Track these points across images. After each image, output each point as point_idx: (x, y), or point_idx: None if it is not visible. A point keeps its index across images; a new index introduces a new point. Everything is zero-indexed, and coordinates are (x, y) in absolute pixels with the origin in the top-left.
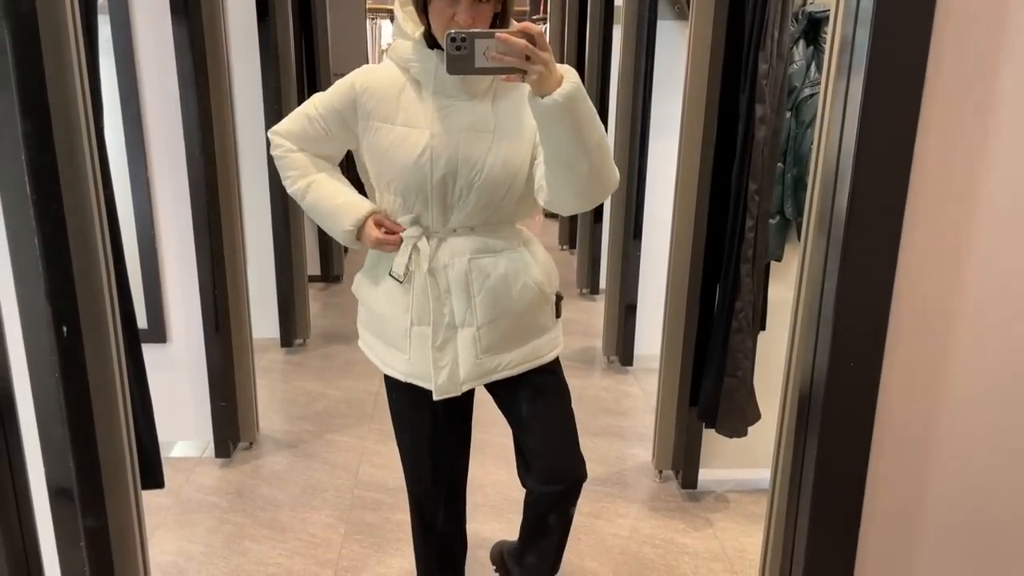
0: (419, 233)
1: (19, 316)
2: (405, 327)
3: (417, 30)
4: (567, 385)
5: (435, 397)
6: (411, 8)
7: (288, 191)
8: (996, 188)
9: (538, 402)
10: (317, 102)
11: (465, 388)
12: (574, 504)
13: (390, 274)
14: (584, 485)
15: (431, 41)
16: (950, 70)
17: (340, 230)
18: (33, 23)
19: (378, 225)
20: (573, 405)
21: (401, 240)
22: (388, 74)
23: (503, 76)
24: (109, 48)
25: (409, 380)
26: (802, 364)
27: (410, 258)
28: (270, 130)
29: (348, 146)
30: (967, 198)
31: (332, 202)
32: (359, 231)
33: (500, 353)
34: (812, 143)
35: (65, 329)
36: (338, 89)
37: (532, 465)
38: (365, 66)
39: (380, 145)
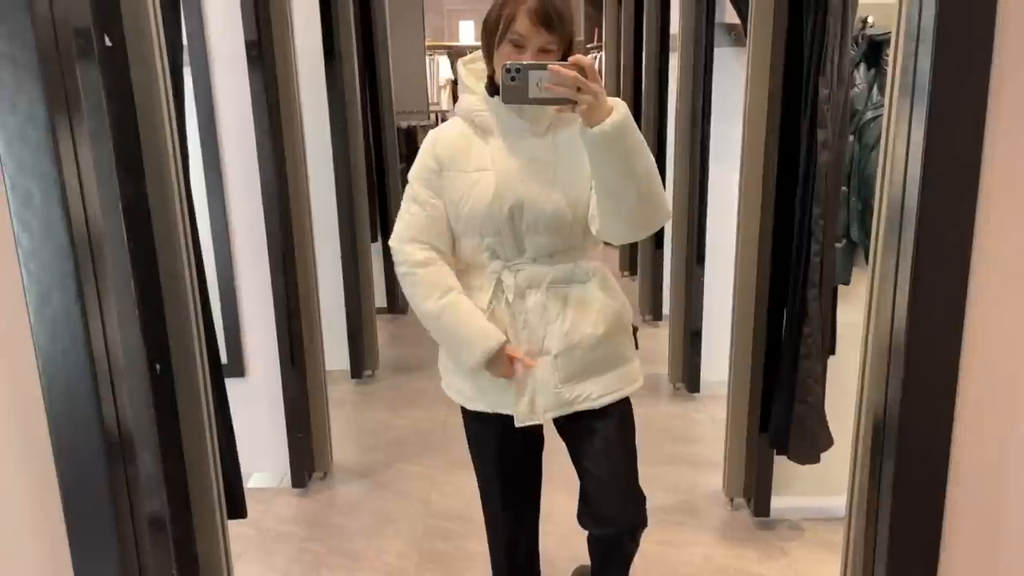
0: (500, 267)
1: (121, 359)
2: None
3: (479, 84)
4: (633, 423)
5: (517, 424)
6: (473, 66)
7: (416, 310)
8: None
9: (598, 445)
10: (412, 178)
11: (548, 416)
12: (630, 548)
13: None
14: (654, 513)
15: (493, 92)
16: (1015, 85)
17: (472, 359)
18: (127, 82)
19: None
20: (641, 433)
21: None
22: (456, 128)
23: (556, 107)
24: (191, 96)
25: (493, 410)
26: (875, 392)
27: (493, 291)
28: (390, 241)
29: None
30: None
31: (465, 330)
32: (490, 361)
33: (580, 383)
34: (877, 166)
35: (158, 367)
36: (422, 153)
37: (588, 507)
38: (435, 128)
39: (455, 192)
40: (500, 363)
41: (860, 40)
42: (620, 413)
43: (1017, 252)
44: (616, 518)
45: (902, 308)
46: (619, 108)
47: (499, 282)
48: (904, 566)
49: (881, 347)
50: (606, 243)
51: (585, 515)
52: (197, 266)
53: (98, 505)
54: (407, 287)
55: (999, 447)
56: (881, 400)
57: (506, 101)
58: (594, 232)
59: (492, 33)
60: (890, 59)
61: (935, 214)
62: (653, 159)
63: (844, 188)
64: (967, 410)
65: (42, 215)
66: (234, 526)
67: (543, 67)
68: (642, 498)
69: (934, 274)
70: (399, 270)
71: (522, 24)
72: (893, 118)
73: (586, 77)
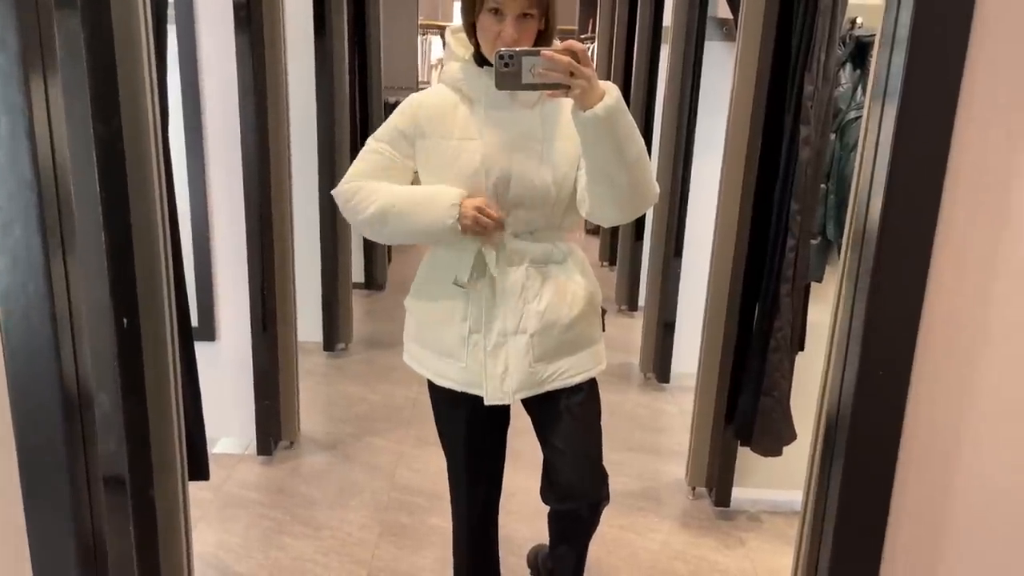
0: (482, 241)
1: (84, 307)
2: (463, 335)
3: (467, 52)
4: (599, 403)
5: (487, 402)
6: (462, 34)
7: (367, 223)
8: None
9: (564, 421)
10: (377, 134)
11: (518, 396)
12: (591, 524)
13: (454, 282)
14: (617, 499)
15: (480, 61)
16: (984, 95)
17: (443, 209)
18: (108, 33)
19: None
20: (608, 420)
21: (499, 223)
22: (440, 95)
23: (548, 91)
24: (174, 55)
25: (464, 389)
26: (833, 390)
27: (474, 265)
28: (334, 191)
29: (410, 171)
30: (998, 222)
31: (422, 193)
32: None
33: (552, 362)
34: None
35: (125, 321)
36: (395, 115)
37: (550, 482)
38: (416, 93)
39: (438, 159)
40: (468, 215)
41: (848, 40)
42: (588, 391)
43: (977, 259)
44: (579, 492)
45: (861, 304)
46: (611, 92)
47: (480, 255)
48: (848, 557)
49: (842, 344)
50: (590, 231)
51: (548, 490)
52: (171, 224)
53: (53, 452)
54: (349, 214)
55: (947, 451)
56: (836, 392)
57: (500, 87)
58: (584, 214)
59: (471, 3)
60: (872, 62)
61: (898, 213)
62: (644, 142)
63: (823, 186)
64: (919, 403)
65: (8, 145)
66: (195, 490)
67: (536, 53)
68: (605, 475)
69: (894, 273)
70: (343, 198)
71: None
72: (869, 120)
73: (579, 62)
